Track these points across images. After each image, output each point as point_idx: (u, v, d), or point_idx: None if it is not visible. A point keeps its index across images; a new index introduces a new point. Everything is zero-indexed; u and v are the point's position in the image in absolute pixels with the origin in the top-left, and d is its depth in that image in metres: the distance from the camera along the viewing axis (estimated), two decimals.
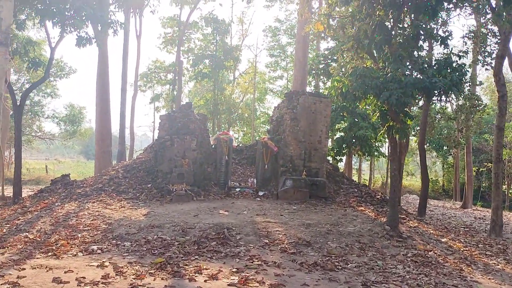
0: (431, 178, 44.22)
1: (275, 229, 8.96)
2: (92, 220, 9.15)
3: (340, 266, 7.22)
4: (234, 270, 6.51)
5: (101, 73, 18.27)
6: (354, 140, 23.72)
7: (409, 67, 9.04)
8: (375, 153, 26.06)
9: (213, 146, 14.00)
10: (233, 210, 10.68)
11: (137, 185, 12.86)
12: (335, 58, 27.78)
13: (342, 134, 23.83)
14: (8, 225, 9.11)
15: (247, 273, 6.39)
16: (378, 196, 13.82)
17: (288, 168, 13.53)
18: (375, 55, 10.01)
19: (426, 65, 9.07)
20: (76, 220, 9.19)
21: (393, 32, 9.18)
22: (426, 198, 17.58)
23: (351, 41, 9.92)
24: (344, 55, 20.99)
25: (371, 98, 9.16)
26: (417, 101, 12.85)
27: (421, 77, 8.51)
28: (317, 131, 13.86)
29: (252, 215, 10.11)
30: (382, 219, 10.98)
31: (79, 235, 8.04)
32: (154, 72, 31.74)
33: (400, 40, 9.17)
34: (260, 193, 13.17)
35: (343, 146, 23.42)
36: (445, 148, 36.65)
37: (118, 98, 22.87)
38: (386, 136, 9.73)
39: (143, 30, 27.28)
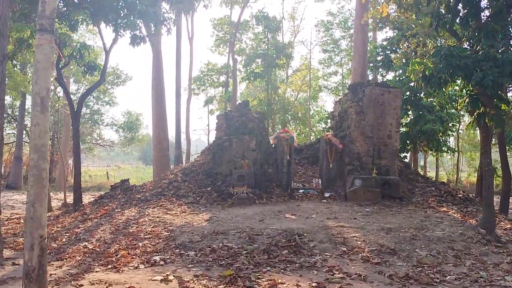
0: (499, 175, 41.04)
1: (351, 235, 7.97)
2: (153, 227, 8.61)
3: (437, 278, 6.12)
4: (314, 285, 5.63)
5: (156, 78, 18.05)
6: (420, 135, 22.14)
7: (503, 43, 7.71)
8: (443, 148, 24.17)
9: (273, 146, 13.19)
10: (300, 214, 9.80)
11: (197, 189, 12.30)
12: (395, 48, 26.29)
13: (405, 129, 22.21)
14: (67, 234, 8.77)
15: None
16: (460, 195, 12.36)
17: (355, 166, 12.43)
18: (458, 33, 8.75)
19: None
20: (137, 227, 8.68)
21: (481, 3, 7.90)
22: (508, 196, 15.78)
23: (429, 18, 8.72)
24: (408, 43, 19.57)
25: (460, 81, 7.94)
26: None
27: None
28: (386, 124, 12.64)
29: (322, 219, 9.17)
30: (471, 221, 9.65)
31: (140, 244, 7.48)
32: (207, 74, 31.50)
33: (490, 13, 7.87)
34: (326, 194, 12.17)
35: (407, 142, 21.81)
36: None
37: (172, 102, 22.69)
38: (476, 125, 8.42)
39: (195, 32, 27.04)
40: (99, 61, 27.77)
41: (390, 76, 27.98)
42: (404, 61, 20.34)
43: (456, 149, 26.65)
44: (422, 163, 33.22)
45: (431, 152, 26.16)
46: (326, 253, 7.07)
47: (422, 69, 7.87)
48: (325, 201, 11.79)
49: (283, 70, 31.53)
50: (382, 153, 12.61)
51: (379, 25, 24.59)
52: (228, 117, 12.96)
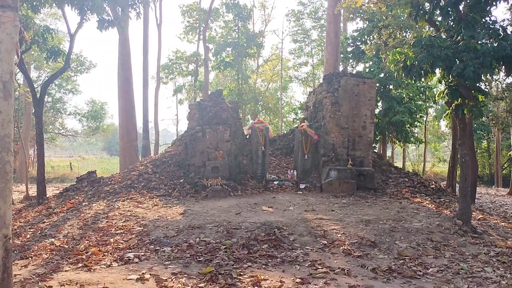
0: (388, 160, 42.50)
1: (330, 227, 7.83)
2: (124, 222, 8.18)
3: (420, 271, 6.05)
4: (298, 280, 5.42)
5: (124, 65, 17.32)
6: (389, 126, 22.41)
7: (484, 33, 7.69)
8: (411, 139, 24.61)
9: (247, 136, 12.91)
10: (277, 206, 9.60)
11: (169, 181, 11.90)
12: (365, 40, 26.42)
13: (375, 120, 22.42)
14: (32, 230, 8.22)
15: (315, 284, 5.29)
16: (433, 186, 12.52)
17: (330, 157, 12.36)
18: (437, 23, 8.70)
19: (503, 31, 7.73)
20: (107, 222, 8.23)
21: None
22: (475, 185, 16.18)
23: (408, 8, 8.62)
24: (380, 34, 19.62)
25: (440, 71, 7.88)
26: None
27: (502, 45, 7.19)
28: (361, 116, 12.61)
29: (300, 212, 9.00)
30: (446, 211, 9.75)
31: (112, 240, 7.06)
32: (175, 63, 30.75)
33: (470, 3, 7.84)
34: (302, 186, 12.04)
35: (377, 133, 22.03)
36: (478, 132, 35.07)
37: (139, 91, 21.96)
38: (452, 116, 8.44)
39: (163, 19, 26.23)
40: (63, 48, 26.61)
41: (360, 67, 28.19)
42: (374, 52, 20.46)
43: (423, 140, 27.23)
44: (389, 154, 33.83)
45: (398, 143, 26.61)
46: (307, 247, 6.89)
47: (402, 59, 7.74)
48: (300, 192, 11.65)
49: (254, 59, 31.21)
50: (356, 144, 12.57)
51: (350, 16, 24.65)
52: (201, 107, 12.56)
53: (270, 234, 7.31)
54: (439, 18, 8.66)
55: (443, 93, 8.32)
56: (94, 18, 11.59)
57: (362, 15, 23.71)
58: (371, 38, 24.54)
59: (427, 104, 25.50)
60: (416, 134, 26.76)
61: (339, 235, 7.47)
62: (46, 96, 24.88)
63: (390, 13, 18.79)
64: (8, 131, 3.65)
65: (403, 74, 7.88)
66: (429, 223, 8.36)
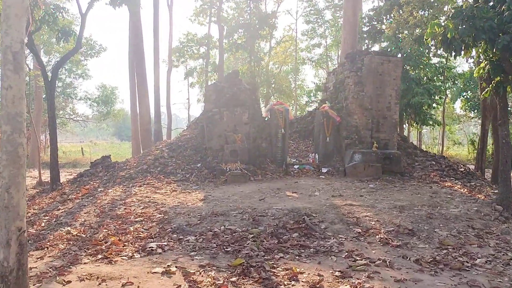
0: (412, 143, 41.64)
1: (362, 214, 7.34)
2: (143, 209, 7.77)
3: (467, 262, 5.54)
4: (337, 274, 4.95)
5: (136, 46, 16.76)
6: (406, 108, 21.69)
7: None
8: (429, 121, 23.88)
9: (266, 119, 12.39)
10: (302, 192, 9.12)
11: (185, 165, 11.46)
12: (381, 19, 25.51)
13: None
14: (47, 218, 7.83)
15: (357, 278, 4.82)
16: (462, 169, 11.93)
17: (353, 140, 11.81)
18: None
19: None
20: (125, 208, 7.82)
21: None
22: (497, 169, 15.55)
23: None
24: (402, 11, 18.78)
25: (482, 45, 7.25)
26: None
27: None
28: (386, 96, 12.00)
29: (327, 197, 8.51)
30: (479, 196, 9.19)
31: (131, 228, 6.64)
32: (187, 45, 30.10)
33: None
34: (324, 170, 11.53)
35: None
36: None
37: (150, 74, 21.40)
38: (493, 94, 7.82)
39: (174, 0, 25.50)
40: (73, 29, 26.11)
41: (375, 48, 27.35)
42: (394, 31, 19.64)
43: (441, 122, 26.45)
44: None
45: (415, 125, 25.86)
46: (340, 236, 6.41)
47: (441, 32, 7.11)
48: (323, 177, 11.16)
49: (266, 41, 30.42)
50: (381, 126, 12.00)
51: None
52: (217, 88, 12.03)
53: (299, 221, 6.84)
54: None
55: (483, 69, 7.68)
56: None
57: None
58: (389, 17, 23.71)
59: (446, 85, 24.58)
60: (434, 116, 25.99)
61: (373, 222, 6.97)
62: (56, 81, 24.52)
63: None
64: (20, 109, 3.18)
65: (442, 48, 7.24)
66: (467, 209, 7.82)
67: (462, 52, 7.34)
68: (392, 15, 22.15)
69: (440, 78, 24.72)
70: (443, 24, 7.23)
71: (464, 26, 6.83)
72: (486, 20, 6.84)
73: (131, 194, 9.11)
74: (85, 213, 7.78)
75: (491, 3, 7.39)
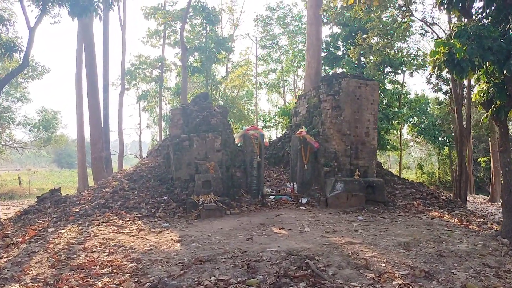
0: (427, 171, 42.90)
1: (368, 254, 6.47)
2: (109, 255, 6.44)
3: None
4: None
5: (89, 65, 15.26)
6: None
7: None
8: (387, 146, 23.98)
9: (238, 145, 11.40)
10: (290, 227, 8.15)
11: (150, 198, 10.15)
12: (338, 45, 25.66)
13: None
14: None
15: None
16: (444, 197, 11.51)
17: (332, 167, 11.08)
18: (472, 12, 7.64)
19: None
20: (86, 256, 6.45)
21: None
22: (466, 193, 15.50)
23: None
24: (366, 36, 18.74)
25: (489, 66, 6.78)
26: None
27: None
28: (364, 121, 11.46)
29: (320, 234, 7.60)
30: (473, 227, 8.68)
31: (99, 283, 5.32)
32: (138, 68, 28.68)
33: None
34: (303, 201, 10.66)
35: None
36: (440, 139, 35.49)
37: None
38: (493, 119, 7.37)
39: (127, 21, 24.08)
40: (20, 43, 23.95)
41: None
42: (358, 57, 19.60)
43: (399, 147, 26.70)
44: None
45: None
46: (353, 284, 5.47)
47: (446, 52, 6.56)
48: (303, 208, 10.28)
49: (223, 65, 29.70)
50: (359, 152, 11.39)
51: (324, 20, 23.84)
52: (186, 112, 10.93)
53: (302, 267, 5.83)
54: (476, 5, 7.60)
55: (485, 92, 7.21)
56: (55, 10, 9.83)
57: (337, 19, 22.96)
58: (348, 43, 23.84)
59: (404, 110, 24.92)
60: (390, 142, 26.18)
61: (383, 264, 6.11)
62: None
63: (373, 15, 18.06)
64: None
65: (447, 69, 6.68)
66: (473, 243, 7.19)
67: (465, 74, 6.80)
68: (355, 40, 22.25)
69: (396, 103, 25.09)
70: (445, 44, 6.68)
71: (471, 46, 6.29)
72: (493, 40, 6.37)
73: (90, 235, 7.71)
74: (36, 263, 6.31)
75: (494, 21, 6.99)
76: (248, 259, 6.05)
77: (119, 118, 22.62)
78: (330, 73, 12.17)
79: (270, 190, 11.04)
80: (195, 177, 9.94)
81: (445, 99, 19.39)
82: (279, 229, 8.01)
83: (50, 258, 6.43)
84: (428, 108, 32.51)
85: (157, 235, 7.76)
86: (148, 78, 29.29)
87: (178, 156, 10.36)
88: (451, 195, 13.81)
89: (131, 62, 28.55)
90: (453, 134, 34.06)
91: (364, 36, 18.39)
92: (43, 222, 9.15)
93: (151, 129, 39.58)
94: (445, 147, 37.72)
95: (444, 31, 18.48)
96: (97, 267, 5.94)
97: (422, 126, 30.67)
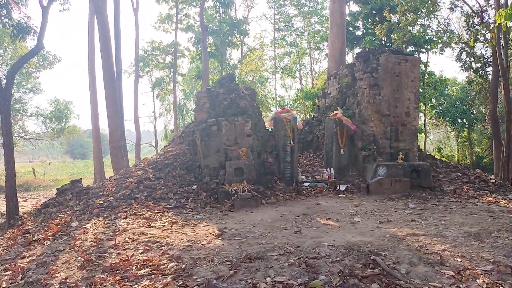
0: (446, 154, 41.79)
1: (437, 247, 5.67)
2: (144, 253, 5.74)
3: None
4: None
5: (104, 50, 14.48)
6: None
7: None
8: None
9: (269, 129, 10.62)
10: (337, 217, 7.39)
11: (178, 188, 9.44)
12: (357, 25, 24.58)
13: None
14: (8, 273, 5.60)
15: None
16: (493, 180, 10.64)
17: (371, 151, 10.26)
18: None
19: None
20: (118, 254, 5.75)
21: None
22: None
23: None
24: (392, 12, 17.70)
25: None
26: None
27: None
28: (404, 100, 10.58)
29: (374, 224, 6.84)
30: None
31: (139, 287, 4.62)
32: (151, 54, 27.89)
33: None
34: (342, 187, 9.87)
35: None
36: (459, 121, 34.48)
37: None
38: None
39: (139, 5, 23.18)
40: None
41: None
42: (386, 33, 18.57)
43: (424, 129, 25.73)
44: None
45: None
46: (432, 284, 4.69)
47: None
48: (343, 195, 9.50)
49: (237, 49, 28.77)
50: (400, 134, 10.55)
51: None
52: (212, 94, 10.15)
53: (369, 264, 5.07)
54: None
55: None
56: None
57: None
58: (369, 22, 22.78)
59: (431, 91, 23.82)
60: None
61: (459, 259, 5.32)
62: (12, 89, 21.81)
63: None
64: None
65: None
66: None
67: None
68: (375, 19, 21.19)
69: (420, 84, 24.04)
70: None
71: None
72: None
73: (119, 230, 7.03)
74: (63, 264, 5.62)
75: None
76: (304, 256, 5.29)
77: (134, 106, 21.92)
78: (367, 49, 11.23)
79: (303, 177, 10.24)
80: (226, 164, 9.19)
81: (475, 77, 18.29)
82: (326, 219, 7.24)
83: (79, 258, 5.74)
84: (447, 89, 31.43)
85: (192, 228, 7.05)
86: (161, 65, 28.53)
87: (205, 142, 9.61)
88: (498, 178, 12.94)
89: (144, 48, 27.79)
90: (473, 115, 33.04)
91: (390, 13, 17.34)
92: (65, 216, 8.49)
93: (163, 118, 38.96)
94: (464, 129, 36.64)
95: (470, 7, 17.38)
96: (134, 267, 5.24)
97: (441, 108, 29.66)
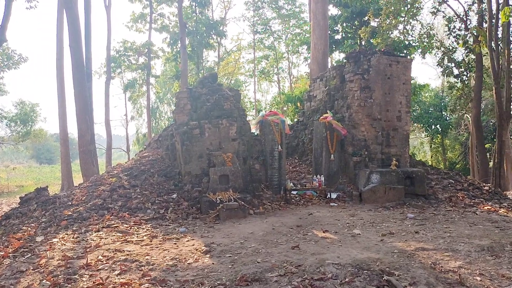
0: (420, 159, 42.23)
1: (451, 264, 5.12)
2: (121, 274, 4.95)
3: None
4: None
5: (75, 50, 13.44)
6: None
7: None
8: None
9: (255, 134, 9.95)
10: (335, 230, 6.77)
11: (156, 197, 8.63)
12: (337, 29, 24.28)
13: None
14: None
15: None
16: (486, 187, 10.29)
17: (363, 157, 9.74)
18: None
19: None
20: (91, 276, 4.94)
21: None
22: (506, 182, 14.33)
23: None
24: (373, 16, 17.40)
25: None
26: None
27: None
28: (395, 103, 10.14)
29: (378, 238, 6.26)
30: None
31: None
32: (123, 55, 26.79)
33: None
34: (333, 196, 9.28)
35: None
36: (433, 127, 35.09)
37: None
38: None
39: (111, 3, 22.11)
40: None
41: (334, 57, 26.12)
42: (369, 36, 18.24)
43: None
44: None
45: None
46: None
47: None
48: (334, 204, 8.91)
49: (214, 50, 28.00)
50: (391, 139, 10.07)
51: None
52: (194, 95, 9.40)
53: (383, 286, 4.44)
54: None
55: None
56: None
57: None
58: (349, 25, 22.50)
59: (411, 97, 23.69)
60: None
61: (478, 278, 4.77)
62: None
63: None
64: None
65: None
66: None
67: None
68: (355, 23, 20.91)
69: None
70: None
71: None
72: None
73: (91, 246, 6.18)
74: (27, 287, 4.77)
75: None
76: (309, 278, 4.63)
77: (105, 109, 20.82)
78: (357, 50, 10.72)
79: (292, 184, 9.61)
80: (210, 171, 8.45)
81: (456, 82, 18.19)
82: (323, 232, 6.61)
83: (44, 281, 4.89)
84: (421, 95, 31.76)
85: (175, 243, 6.28)
86: (134, 66, 27.45)
87: (187, 147, 8.85)
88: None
89: (116, 48, 26.62)
90: (446, 121, 33.48)
91: (371, 16, 17.03)
92: (29, 228, 7.53)
93: (135, 121, 37.72)
94: (438, 135, 37.08)
95: (454, 11, 17.29)
96: None
97: (415, 114, 29.98)
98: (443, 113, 34.01)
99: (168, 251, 5.84)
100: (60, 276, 4.98)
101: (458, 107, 18.47)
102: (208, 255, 5.58)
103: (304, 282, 4.50)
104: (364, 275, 4.66)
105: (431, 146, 42.59)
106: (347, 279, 4.56)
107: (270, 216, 7.90)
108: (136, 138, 37.63)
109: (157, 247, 6.10)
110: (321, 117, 10.19)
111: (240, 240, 6.26)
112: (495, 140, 29.65)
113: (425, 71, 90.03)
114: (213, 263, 5.23)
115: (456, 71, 17.83)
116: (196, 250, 5.86)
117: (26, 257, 5.97)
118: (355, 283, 4.48)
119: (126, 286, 4.59)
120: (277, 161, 9.45)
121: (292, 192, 9.50)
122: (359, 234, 6.45)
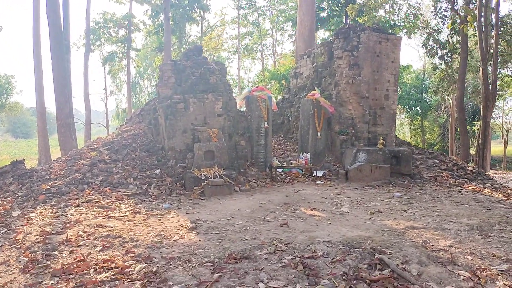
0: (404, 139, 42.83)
1: (442, 243, 5.09)
2: (103, 250, 4.75)
3: None
4: None
5: (52, 18, 12.78)
6: None
7: None
8: None
9: (240, 109, 9.72)
10: (323, 207, 6.67)
11: (139, 173, 8.38)
12: (322, 6, 23.98)
13: None
14: None
15: None
16: (470, 168, 10.35)
17: (349, 135, 9.64)
18: None
19: None
20: (71, 252, 4.72)
21: None
22: (489, 163, 14.52)
23: None
24: None
25: None
26: None
27: None
28: (383, 82, 10.01)
29: (367, 216, 6.19)
30: None
31: None
32: (103, 27, 25.93)
33: None
34: (319, 174, 9.19)
35: None
36: (413, 109, 35.66)
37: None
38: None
39: None
40: None
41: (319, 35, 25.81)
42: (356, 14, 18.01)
43: None
44: None
45: None
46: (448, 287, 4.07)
47: None
48: (320, 182, 8.82)
49: (197, 25, 27.33)
50: (378, 118, 9.98)
51: None
52: (178, 68, 9.06)
53: (375, 265, 4.36)
54: None
55: None
56: None
57: None
58: (335, 3, 22.22)
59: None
60: None
61: (469, 257, 4.74)
62: None
63: None
64: None
65: None
66: None
67: None
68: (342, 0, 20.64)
69: None
70: None
71: None
72: None
73: (71, 221, 5.94)
74: (1, 265, 4.52)
75: None
76: (299, 256, 4.51)
77: (84, 82, 20.14)
78: (347, 26, 10.48)
79: (278, 161, 9.46)
80: (194, 146, 8.22)
81: (440, 63, 18.20)
82: (311, 210, 6.51)
83: (21, 257, 4.65)
84: (402, 77, 32.01)
85: (159, 219, 6.09)
86: (114, 38, 26.62)
87: (171, 122, 8.57)
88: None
89: (95, 20, 25.73)
90: (427, 103, 33.93)
91: None
92: (4, 202, 7.22)
93: (115, 96, 36.90)
94: (417, 116, 37.52)
95: None
96: (91, 270, 4.24)
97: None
98: (424, 95, 34.38)
99: (152, 227, 5.65)
100: (38, 252, 4.75)
101: (441, 88, 18.52)
102: (194, 232, 5.41)
103: (295, 260, 4.38)
104: (356, 253, 4.56)
105: (410, 128, 43.13)
106: (338, 257, 4.45)
107: (256, 193, 7.76)
108: (115, 113, 36.88)
109: (141, 223, 5.90)
110: (308, 94, 10.02)
111: (226, 217, 6.10)
112: (473, 122, 30.20)
113: (408, 53, 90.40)
114: (199, 240, 5.07)
115: (440, 53, 17.81)
116: (182, 226, 5.68)
117: (2, 232, 5.70)
118: (347, 261, 4.39)
119: (109, 263, 4.39)
120: (263, 138, 9.27)
121: (278, 169, 9.37)
122: (347, 212, 6.37)
